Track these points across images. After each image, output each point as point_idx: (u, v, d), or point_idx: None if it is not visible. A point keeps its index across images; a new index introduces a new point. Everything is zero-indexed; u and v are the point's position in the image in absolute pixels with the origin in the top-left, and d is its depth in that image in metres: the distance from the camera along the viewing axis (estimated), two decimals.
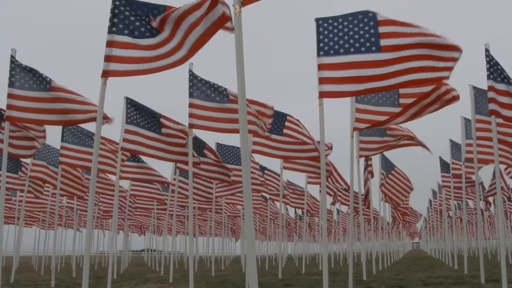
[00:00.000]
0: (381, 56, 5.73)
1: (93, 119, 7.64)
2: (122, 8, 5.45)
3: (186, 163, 8.55)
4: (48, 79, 7.70)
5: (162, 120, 9.05)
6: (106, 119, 7.63)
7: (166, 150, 9.01)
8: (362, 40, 5.84)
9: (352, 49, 5.88)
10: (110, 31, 5.35)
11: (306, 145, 10.37)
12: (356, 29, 5.89)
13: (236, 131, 7.65)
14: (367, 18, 5.86)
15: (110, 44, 5.32)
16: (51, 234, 19.98)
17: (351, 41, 5.90)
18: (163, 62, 5.40)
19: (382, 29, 5.75)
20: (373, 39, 5.76)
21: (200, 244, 31.74)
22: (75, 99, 7.63)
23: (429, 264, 19.79)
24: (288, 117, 10.35)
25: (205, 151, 10.85)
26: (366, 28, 5.83)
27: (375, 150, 10.50)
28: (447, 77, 5.66)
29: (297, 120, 10.42)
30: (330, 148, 12.19)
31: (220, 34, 5.18)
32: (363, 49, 5.83)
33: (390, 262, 22.17)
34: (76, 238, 18.11)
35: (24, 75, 7.74)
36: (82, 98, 7.67)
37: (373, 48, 5.76)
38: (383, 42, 5.72)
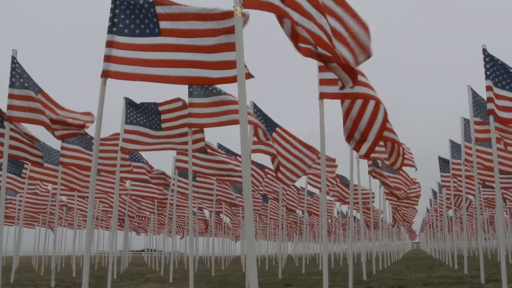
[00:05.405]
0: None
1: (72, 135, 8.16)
2: (122, 6, 5.38)
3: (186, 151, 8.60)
4: (37, 88, 7.89)
5: (159, 107, 9.01)
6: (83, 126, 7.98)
7: (167, 142, 9.03)
8: None
9: None
10: (110, 31, 5.29)
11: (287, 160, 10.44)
12: None
13: (234, 122, 7.59)
14: None
15: (109, 44, 5.26)
16: (51, 234, 20.01)
17: None
18: (166, 72, 5.25)
19: None
20: None
21: (200, 244, 31.75)
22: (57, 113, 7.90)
23: (429, 264, 19.79)
24: (277, 129, 10.37)
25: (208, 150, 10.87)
26: None
27: (375, 155, 10.58)
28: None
29: (286, 133, 10.43)
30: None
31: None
32: None
33: (390, 262, 22.16)
34: (76, 238, 18.12)
35: (25, 76, 7.78)
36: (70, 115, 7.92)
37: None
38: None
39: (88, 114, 8.39)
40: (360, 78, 6.20)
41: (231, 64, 5.11)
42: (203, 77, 5.32)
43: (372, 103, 6.84)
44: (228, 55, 5.14)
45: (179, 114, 8.74)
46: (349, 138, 7.16)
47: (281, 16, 4.55)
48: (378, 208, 21.61)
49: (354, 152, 9.90)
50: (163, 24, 5.23)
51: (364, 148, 7.13)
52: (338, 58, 4.69)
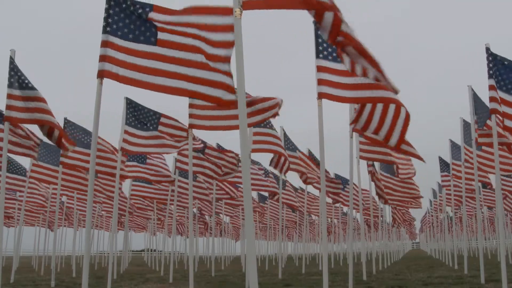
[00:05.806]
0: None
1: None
2: (117, 8, 5.34)
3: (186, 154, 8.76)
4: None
5: (162, 119, 9.34)
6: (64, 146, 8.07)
7: (165, 144, 9.27)
8: None
9: None
10: (104, 31, 5.25)
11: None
12: None
13: (235, 127, 7.59)
14: None
15: (104, 44, 5.23)
16: (51, 234, 20.00)
17: None
18: (165, 82, 5.13)
19: None
20: None
21: (200, 244, 31.73)
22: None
23: (429, 264, 19.79)
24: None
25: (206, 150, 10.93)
26: None
27: (376, 156, 10.61)
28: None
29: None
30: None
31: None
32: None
33: (390, 262, 22.16)
34: (76, 238, 18.12)
35: (22, 76, 7.77)
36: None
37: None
38: None
39: (71, 143, 8.46)
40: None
41: (230, 88, 5.05)
42: (203, 93, 5.20)
43: (392, 105, 6.79)
44: (230, 80, 5.07)
45: (177, 134, 9.34)
46: (376, 130, 7.10)
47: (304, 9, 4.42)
48: (378, 206, 21.54)
49: (354, 152, 9.88)
50: (160, 35, 5.18)
51: (394, 138, 7.06)
52: (360, 44, 4.57)
